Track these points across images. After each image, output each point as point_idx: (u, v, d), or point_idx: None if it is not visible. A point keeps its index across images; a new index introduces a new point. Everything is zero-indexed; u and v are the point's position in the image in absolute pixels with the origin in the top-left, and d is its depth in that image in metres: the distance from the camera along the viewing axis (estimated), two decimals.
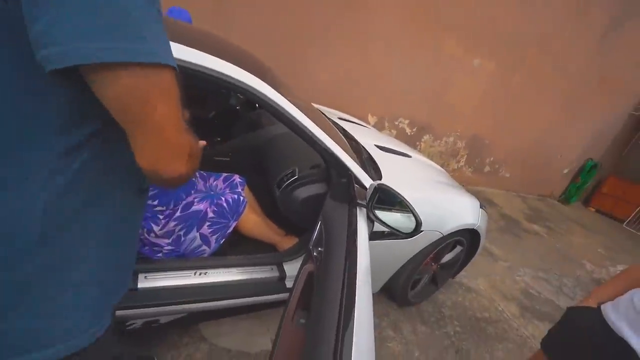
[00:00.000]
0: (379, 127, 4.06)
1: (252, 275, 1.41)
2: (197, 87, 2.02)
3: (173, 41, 1.00)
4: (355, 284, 0.86)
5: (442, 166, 4.53)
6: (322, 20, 3.13)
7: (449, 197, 1.82)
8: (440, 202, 1.75)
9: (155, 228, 1.28)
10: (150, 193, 1.26)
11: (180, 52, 0.96)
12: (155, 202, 1.27)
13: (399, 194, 1.16)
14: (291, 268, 1.49)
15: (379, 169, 1.62)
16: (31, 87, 0.37)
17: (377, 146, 2.07)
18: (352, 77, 3.52)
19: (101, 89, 0.38)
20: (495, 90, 4.67)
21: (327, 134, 1.29)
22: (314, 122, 1.25)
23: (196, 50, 0.98)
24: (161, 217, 1.29)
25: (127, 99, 0.38)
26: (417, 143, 4.53)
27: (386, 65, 3.65)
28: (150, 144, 0.42)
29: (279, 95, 1.15)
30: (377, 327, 1.97)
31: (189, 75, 1.02)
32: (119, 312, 1.08)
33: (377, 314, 2.05)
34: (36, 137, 0.39)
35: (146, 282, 1.19)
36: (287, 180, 1.43)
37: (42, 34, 0.33)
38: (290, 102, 1.19)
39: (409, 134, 4.31)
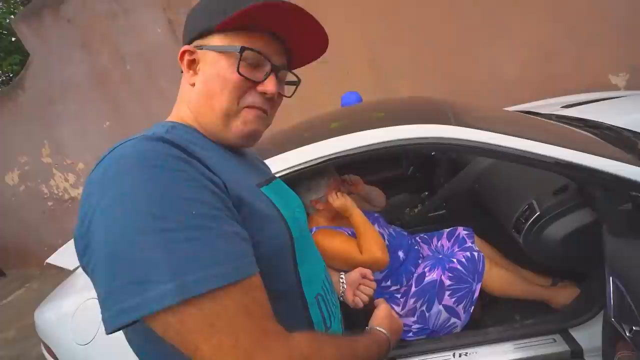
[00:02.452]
0: (639, 83, 2.73)
1: (529, 353, 1.08)
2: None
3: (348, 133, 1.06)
4: None
5: None
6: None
7: None
8: None
9: (397, 309, 1.25)
10: (382, 275, 1.26)
11: (358, 139, 0.99)
12: (389, 283, 1.26)
13: None
14: (587, 336, 1.05)
15: None
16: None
17: None
18: (548, 48, 2.63)
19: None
20: None
21: (556, 143, 0.93)
22: (522, 135, 0.95)
23: (382, 129, 1.00)
24: (398, 295, 1.25)
25: (174, 344, 0.36)
26: None
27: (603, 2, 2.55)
28: None
29: (469, 130, 0.95)
30: None
31: (380, 152, 1.02)
32: None
33: None
34: None
35: None
36: (526, 221, 1.10)
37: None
38: (487, 129, 0.96)
39: None
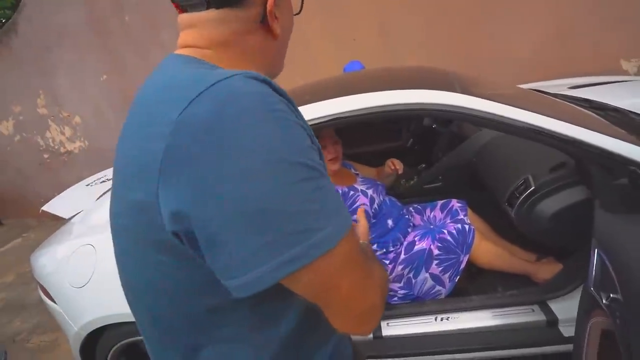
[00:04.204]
0: None
1: (506, 320, 1.14)
2: (389, 120, 2.05)
3: (352, 93, 1.04)
4: None
5: None
6: None
7: None
8: None
9: None
10: (369, 240, 1.29)
11: (357, 101, 0.97)
12: (375, 247, 1.29)
13: None
14: (563, 308, 1.10)
15: None
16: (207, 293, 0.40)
17: None
18: (564, 29, 2.55)
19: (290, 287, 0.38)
20: None
21: (560, 118, 0.92)
22: (533, 110, 0.93)
23: (384, 92, 0.97)
24: (387, 262, 1.29)
25: (310, 292, 0.38)
26: None
27: None
28: (342, 315, 0.39)
29: (473, 99, 0.94)
30: None
31: (377, 117, 1.01)
32: None
33: None
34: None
35: (389, 329, 1.19)
36: (520, 195, 1.11)
37: (222, 270, 0.35)
38: (492, 99, 0.95)
39: None
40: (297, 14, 0.51)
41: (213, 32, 0.45)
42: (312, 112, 1.03)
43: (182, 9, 0.46)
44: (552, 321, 1.10)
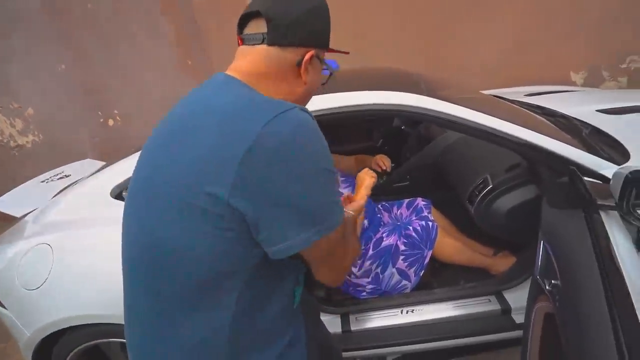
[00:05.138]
0: (593, 82, 2.94)
1: (466, 310, 1.21)
2: (359, 120, 2.10)
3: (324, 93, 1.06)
4: (638, 321, 0.57)
5: None
6: None
7: None
8: None
9: (354, 269, 1.32)
10: None
11: (336, 99, 1.00)
12: None
13: None
14: (516, 297, 1.19)
15: (619, 144, 1.12)
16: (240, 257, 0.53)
17: (602, 111, 1.47)
18: (524, 39, 2.75)
19: (303, 255, 0.55)
20: None
21: (515, 123, 1.00)
22: (492, 114, 1.01)
23: (349, 93, 1.00)
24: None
25: (320, 255, 0.56)
26: None
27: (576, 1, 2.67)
28: (330, 271, 0.60)
29: (437, 101, 0.99)
30: None
31: (349, 116, 1.04)
32: None
33: None
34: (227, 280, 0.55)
35: (358, 323, 1.22)
36: (479, 193, 1.19)
37: (267, 239, 0.50)
38: (456, 103, 1.01)
39: None
40: (324, 84, 0.67)
41: (261, 64, 0.58)
42: None
43: (244, 42, 0.60)
44: (506, 310, 1.18)
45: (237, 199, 0.47)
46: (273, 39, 0.56)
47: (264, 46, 0.57)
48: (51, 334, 1.19)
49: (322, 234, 0.51)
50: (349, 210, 0.76)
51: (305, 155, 0.49)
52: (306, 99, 0.64)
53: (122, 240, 0.61)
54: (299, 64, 0.58)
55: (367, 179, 0.86)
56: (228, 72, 0.59)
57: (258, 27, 0.57)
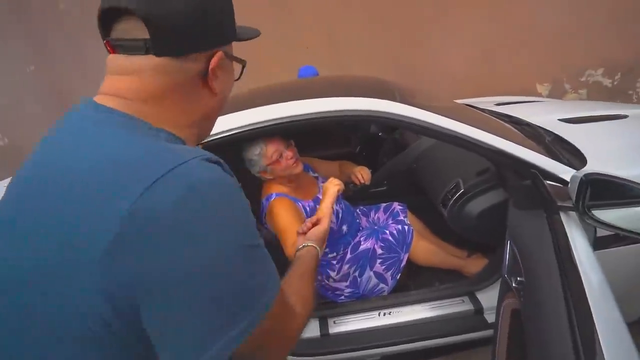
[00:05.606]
0: (557, 94, 3.13)
1: (441, 311, 1.24)
2: (337, 127, 2.14)
3: (302, 98, 1.08)
4: (592, 315, 0.61)
5: None
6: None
7: None
8: None
9: (332, 274, 1.33)
10: None
11: (309, 105, 1.01)
12: (327, 250, 1.33)
13: (625, 180, 0.79)
14: (488, 297, 1.24)
15: (578, 150, 1.20)
16: None
17: (564, 120, 1.57)
18: (492, 51, 2.91)
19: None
20: None
21: (484, 130, 1.06)
22: (462, 121, 1.06)
23: (322, 100, 1.02)
24: (334, 262, 1.34)
25: (251, 347, 0.38)
26: (630, 92, 3.22)
27: (537, 14, 2.85)
28: (277, 354, 0.44)
29: (410, 108, 1.03)
30: None
31: (326, 121, 1.06)
32: None
33: None
34: None
35: (336, 327, 1.23)
36: (452, 197, 1.24)
37: (177, 355, 0.35)
38: (428, 110, 1.05)
39: (608, 85, 3.13)
40: (237, 79, 0.51)
41: (151, 83, 0.41)
42: (260, 115, 1.05)
43: (115, 49, 0.41)
44: (479, 310, 1.23)
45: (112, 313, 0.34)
46: (161, 48, 0.40)
47: (151, 57, 0.40)
48: None
49: (244, 337, 0.36)
50: (308, 242, 0.69)
51: (202, 233, 0.34)
52: (219, 111, 0.49)
53: None
54: (205, 74, 0.44)
55: (330, 188, 0.85)
56: (100, 100, 0.41)
57: (134, 28, 0.39)
